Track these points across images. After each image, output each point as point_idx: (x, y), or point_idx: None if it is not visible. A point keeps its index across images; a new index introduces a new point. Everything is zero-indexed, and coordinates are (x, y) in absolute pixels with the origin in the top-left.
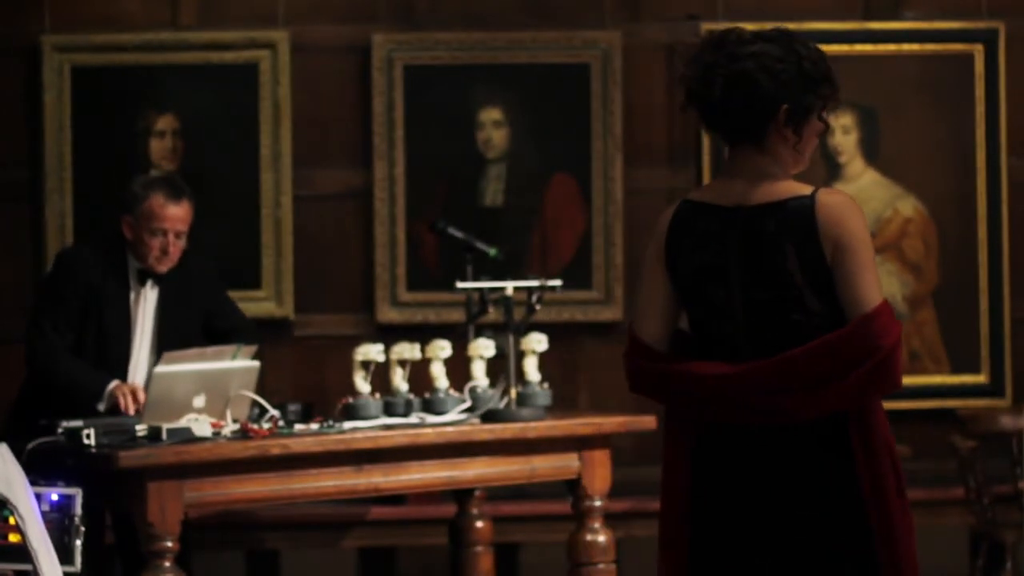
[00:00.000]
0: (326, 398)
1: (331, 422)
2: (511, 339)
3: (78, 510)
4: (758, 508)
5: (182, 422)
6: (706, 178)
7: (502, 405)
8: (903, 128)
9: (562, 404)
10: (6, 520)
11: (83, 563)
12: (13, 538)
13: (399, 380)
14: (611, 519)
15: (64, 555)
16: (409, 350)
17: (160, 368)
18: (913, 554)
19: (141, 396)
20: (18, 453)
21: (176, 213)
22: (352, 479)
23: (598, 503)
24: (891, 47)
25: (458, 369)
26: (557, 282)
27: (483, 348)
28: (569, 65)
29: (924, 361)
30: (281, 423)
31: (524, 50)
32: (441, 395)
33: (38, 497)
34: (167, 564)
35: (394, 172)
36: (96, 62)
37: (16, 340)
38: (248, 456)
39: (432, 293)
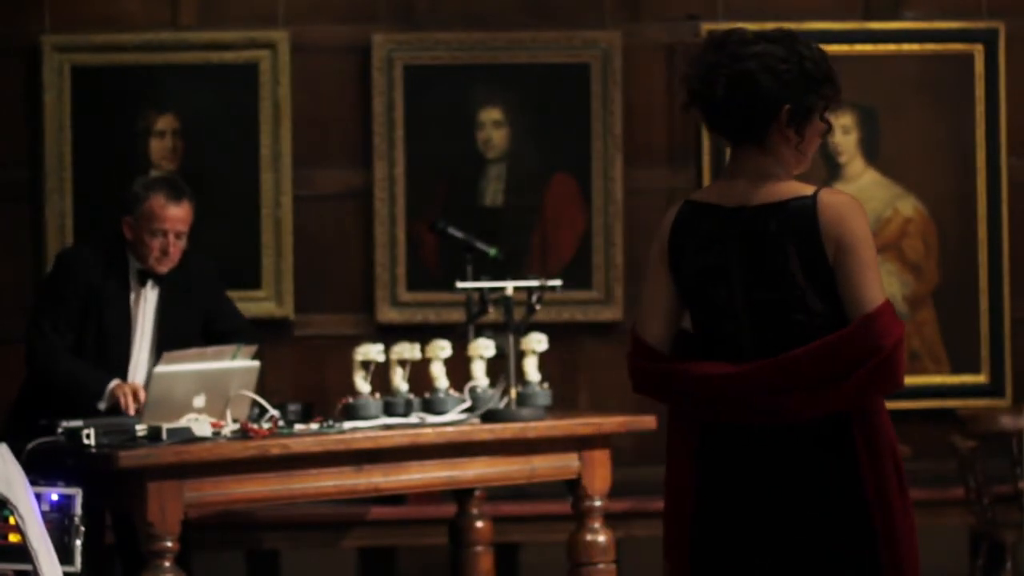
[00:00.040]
0: (326, 398)
1: (331, 422)
2: (511, 339)
3: (78, 510)
4: (761, 508)
5: (182, 422)
6: (706, 178)
7: (502, 405)
8: (903, 128)
9: (562, 404)
10: (6, 520)
11: (83, 563)
12: (13, 538)
13: (399, 380)
14: (611, 519)
15: (64, 555)
16: (409, 350)
17: (160, 368)
18: (915, 555)
19: (142, 395)
20: (18, 453)
21: (176, 214)
22: (352, 479)
23: (598, 503)
24: (891, 47)
25: (458, 369)
26: (557, 282)
27: (483, 348)
28: (569, 65)
29: (924, 361)
30: (281, 423)
31: (524, 50)
32: (441, 395)
33: (38, 497)
34: (167, 564)
35: (394, 172)
36: (96, 62)
37: (16, 340)
38: (248, 456)
39: (432, 293)
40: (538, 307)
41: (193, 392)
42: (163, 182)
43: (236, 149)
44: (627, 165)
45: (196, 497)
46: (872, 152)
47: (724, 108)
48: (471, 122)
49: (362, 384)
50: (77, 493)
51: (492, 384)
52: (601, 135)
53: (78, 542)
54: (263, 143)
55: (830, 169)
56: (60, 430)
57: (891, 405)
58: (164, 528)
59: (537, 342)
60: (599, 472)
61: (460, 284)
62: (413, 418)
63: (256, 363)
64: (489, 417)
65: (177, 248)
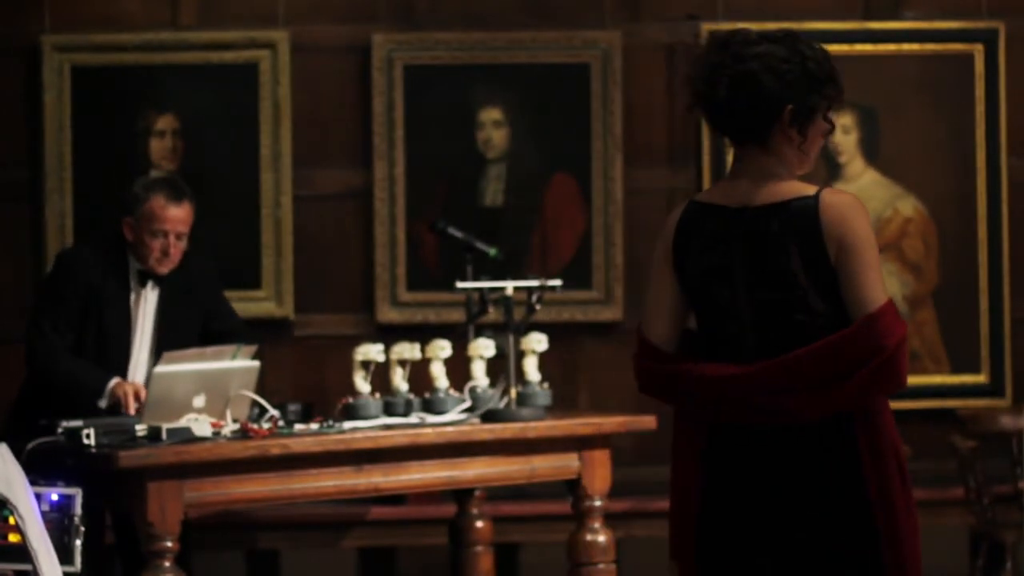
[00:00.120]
0: (326, 398)
1: (331, 422)
2: (511, 339)
3: (78, 510)
4: (765, 508)
5: (182, 422)
6: (706, 178)
7: (502, 405)
8: (903, 128)
9: (562, 404)
10: (6, 520)
11: (83, 563)
12: (13, 538)
13: (399, 380)
14: (611, 519)
15: (64, 555)
16: (409, 350)
17: (160, 368)
18: (917, 555)
19: (143, 395)
20: (18, 453)
21: (177, 214)
22: (352, 479)
23: (598, 503)
24: (891, 47)
25: (458, 369)
26: (557, 282)
27: (483, 348)
28: (569, 65)
29: (924, 361)
30: (281, 423)
31: (524, 50)
32: (441, 395)
33: (38, 497)
34: (167, 564)
35: (394, 172)
36: (96, 62)
37: (16, 340)
38: (248, 456)
39: (432, 293)
40: (538, 307)
41: (193, 392)
42: (163, 183)
43: (236, 149)
44: (627, 165)
45: (196, 497)
46: (872, 152)
47: (727, 108)
48: (471, 122)
49: (362, 384)
50: (77, 493)
51: (492, 384)
52: (601, 135)
53: (78, 542)
54: (263, 143)
55: (830, 169)
56: (60, 430)
57: (891, 405)
58: (164, 528)
59: (537, 342)
60: (599, 472)
61: (460, 284)
62: (413, 418)
63: (256, 363)
64: (489, 417)
65: (177, 249)
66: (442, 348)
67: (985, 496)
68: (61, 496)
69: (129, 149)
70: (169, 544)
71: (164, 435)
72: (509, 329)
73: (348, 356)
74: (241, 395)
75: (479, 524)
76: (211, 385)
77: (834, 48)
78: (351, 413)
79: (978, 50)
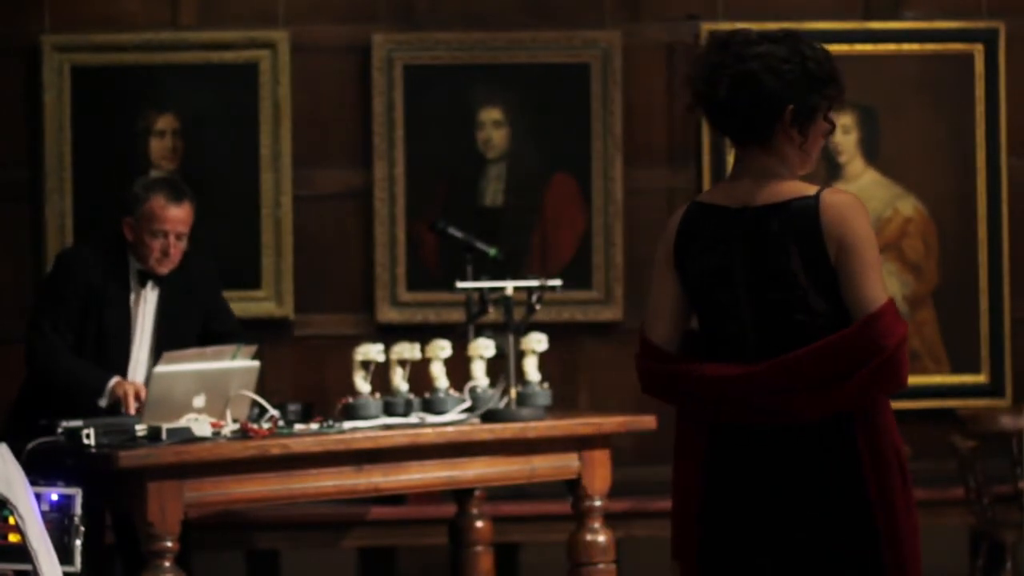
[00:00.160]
0: (326, 398)
1: (331, 422)
2: (511, 339)
3: (78, 510)
4: (765, 508)
5: (182, 422)
6: (706, 178)
7: (502, 405)
8: (903, 128)
9: (562, 404)
10: (6, 520)
11: (83, 563)
12: (13, 538)
13: (399, 380)
14: (611, 519)
15: (64, 555)
16: (409, 350)
17: (160, 368)
18: (918, 555)
19: (143, 394)
20: (18, 453)
21: (177, 215)
22: (352, 479)
23: (598, 503)
24: (891, 47)
25: (458, 369)
26: (557, 282)
27: (483, 348)
28: (569, 65)
29: (924, 361)
30: (281, 423)
31: (524, 50)
32: (441, 395)
33: (38, 497)
34: (167, 564)
35: (394, 172)
36: (96, 62)
37: (16, 340)
38: (248, 456)
39: (432, 293)
40: (538, 307)
41: (193, 392)
42: (163, 183)
43: (236, 149)
44: (627, 165)
45: (196, 497)
46: (872, 152)
47: (727, 108)
48: (471, 122)
49: (362, 384)
50: (77, 493)
51: (492, 384)
52: (601, 135)
53: (78, 542)
54: (263, 143)
55: (830, 169)
56: (60, 430)
57: (891, 405)
58: (164, 528)
59: (537, 342)
60: (599, 472)
61: (460, 284)
62: (413, 418)
63: (256, 363)
64: (489, 417)
65: (178, 249)
66: (442, 348)
67: (985, 496)
68: (61, 496)
69: (129, 149)
70: (169, 544)
71: (164, 435)
72: (509, 329)
73: (348, 356)
74: (241, 395)
75: (479, 524)
76: (211, 385)
77: (834, 48)
78: (351, 413)
79: (978, 50)
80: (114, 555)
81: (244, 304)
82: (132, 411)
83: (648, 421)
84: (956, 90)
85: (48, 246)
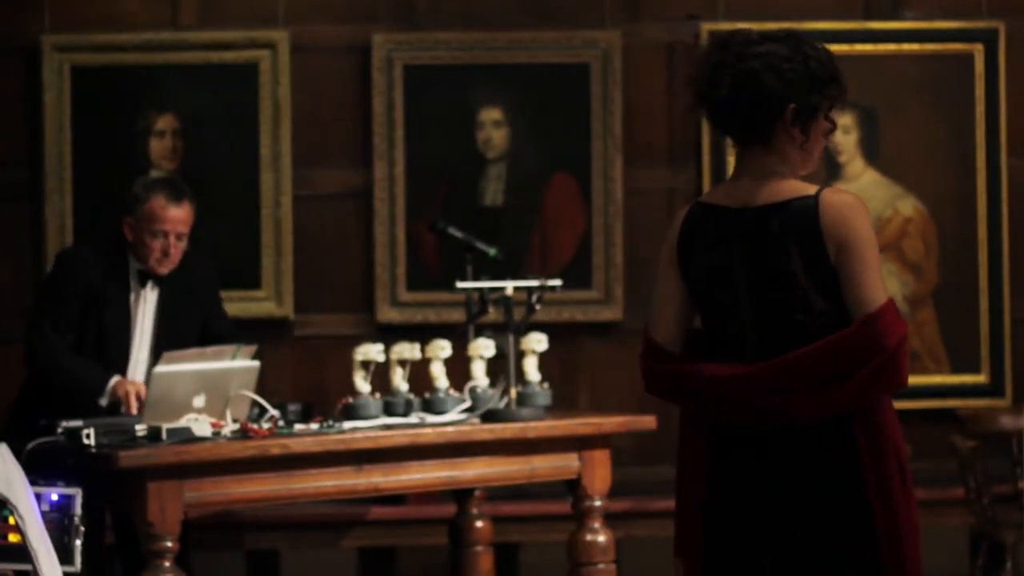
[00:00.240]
0: (326, 398)
1: (331, 422)
2: (511, 339)
3: (78, 510)
4: (766, 508)
5: (182, 422)
6: (706, 178)
7: (502, 405)
8: (903, 128)
9: (562, 404)
10: (6, 520)
11: (83, 563)
12: (13, 538)
13: (399, 380)
14: (611, 519)
15: (64, 555)
16: (409, 350)
17: (160, 368)
18: (918, 555)
19: (143, 394)
20: (18, 453)
21: (177, 215)
22: (352, 479)
23: (598, 503)
24: (891, 47)
25: (458, 369)
26: (557, 282)
27: (483, 348)
28: (569, 65)
29: (924, 361)
30: (281, 423)
31: (524, 50)
32: (441, 395)
33: (38, 497)
34: (167, 564)
35: (394, 172)
36: (96, 62)
37: (16, 340)
38: (248, 456)
39: (432, 293)
40: (538, 307)
41: (193, 392)
42: (163, 183)
43: (236, 149)
44: (627, 165)
45: (196, 497)
46: (872, 152)
47: (729, 108)
48: (471, 122)
49: (362, 384)
50: (77, 493)
51: (492, 384)
52: (601, 135)
53: (78, 542)
54: (263, 143)
55: (830, 169)
56: (60, 430)
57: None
58: (164, 528)
59: (537, 342)
60: (599, 472)
61: (460, 284)
62: (413, 418)
63: (256, 363)
64: (489, 417)
65: (178, 249)
66: (442, 348)
67: (985, 496)
68: (61, 496)
69: (129, 149)
70: (169, 544)
71: (164, 435)
72: (509, 329)
73: (348, 356)
74: (241, 395)
75: (479, 524)
76: (211, 385)
77: (834, 48)
78: (351, 413)
79: (978, 50)
80: (114, 555)
81: (244, 304)
82: (134, 411)
83: (648, 421)
84: (956, 90)
85: (48, 246)
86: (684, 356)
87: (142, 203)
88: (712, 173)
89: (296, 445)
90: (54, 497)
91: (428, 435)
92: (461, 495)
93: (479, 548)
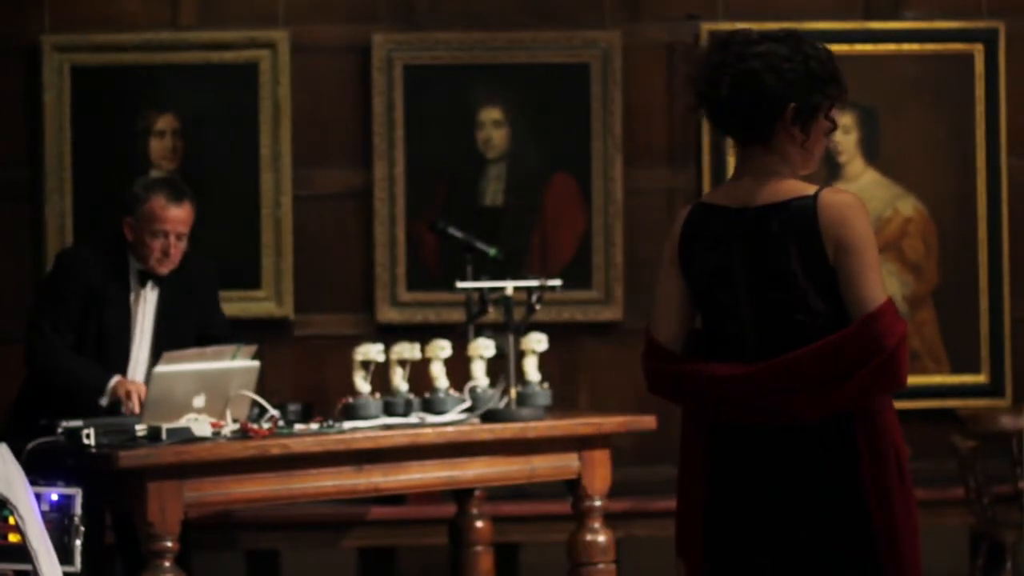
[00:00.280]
0: (326, 398)
1: (331, 422)
2: (511, 339)
3: (78, 510)
4: (766, 508)
5: (182, 422)
6: (706, 178)
7: (502, 405)
8: (903, 128)
9: (562, 404)
10: (6, 520)
11: (83, 563)
12: (13, 538)
13: (399, 380)
14: (611, 519)
15: (64, 555)
16: (409, 350)
17: (160, 368)
18: (917, 556)
19: (143, 394)
20: (18, 453)
21: (177, 215)
22: (352, 479)
23: (598, 503)
24: (891, 47)
25: (458, 369)
26: (557, 282)
27: (483, 348)
28: (569, 65)
29: (924, 361)
30: (281, 423)
31: (524, 50)
32: (441, 395)
33: (38, 497)
34: (167, 564)
35: (394, 172)
36: (96, 62)
37: (16, 340)
38: (248, 456)
39: (432, 293)
40: (538, 307)
41: (193, 392)
42: (164, 183)
43: (236, 149)
44: (627, 165)
45: (196, 497)
46: (872, 152)
47: (729, 107)
48: (471, 122)
49: (362, 384)
50: (77, 493)
51: (492, 384)
52: (601, 135)
53: (78, 542)
54: (263, 143)
55: (830, 169)
56: (60, 430)
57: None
58: (164, 528)
59: (537, 342)
60: (599, 472)
61: (460, 284)
62: (413, 418)
63: (256, 363)
64: (489, 417)
65: (178, 249)
66: (442, 348)
67: (985, 496)
68: (61, 496)
69: (129, 149)
70: (169, 544)
71: (164, 435)
72: (509, 329)
73: (348, 356)
74: (241, 395)
75: (479, 524)
76: (211, 385)
77: (834, 48)
78: (351, 413)
79: (978, 50)
80: (114, 555)
81: (244, 304)
82: (136, 410)
83: (648, 421)
84: (956, 90)
85: (48, 246)
86: (685, 356)
87: (142, 203)
88: (712, 173)
89: (296, 445)
90: (54, 497)
91: (428, 435)
92: (461, 495)
93: (479, 548)
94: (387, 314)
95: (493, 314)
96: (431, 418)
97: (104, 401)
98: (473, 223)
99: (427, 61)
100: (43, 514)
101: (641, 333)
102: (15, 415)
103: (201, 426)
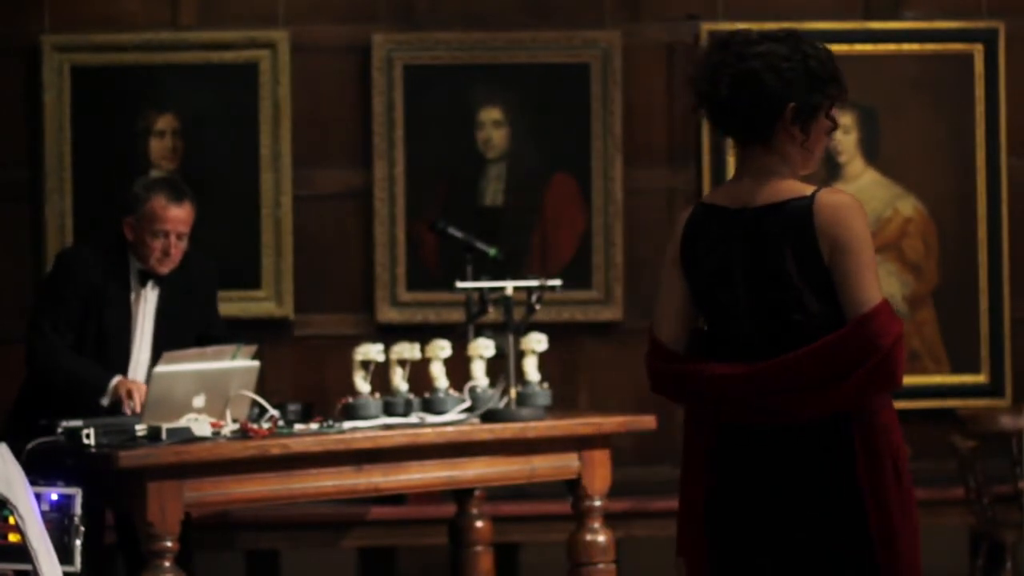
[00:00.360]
0: (326, 398)
1: (331, 422)
2: (511, 339)
3: (78, 510)
4: (766, 508)
5: (182, 422)
6: (706, 178)
7: (502, 405)
8: (903, 128)
9: (562, 404)
10: (6, 520)
11: (83, 563)
12: (13, 538)
13: (399, 380)
14: (611, 519)
15: (64, 555)
16: (409, 350)
17: (160, 368)
18: (916, 556)
19: (143, 394)
20: (18, 453)
21: (178, 215)
22: (352, 479)
23: (598, 503)
24: (891, 47)
25: (458, 369)
26: (557, 282)
27: (483, 348)
28: (569, 65)
29: (924, 361)
30: (281, 423)
31: (524, 50)
32: (441, 395)
33: (38, 497)
34: (167, 564)
35: (394, 172)
36: (96, 62)
37: (16, 340)
38: (248, 456)
39: (432, 293)
40: (538, 307)
41: (193, 392)
42: (164, 183)
43: (236, 149)
44: (627, 165)
45: (196, 497)
46: (872, 152)
47: (729, 107)
48: (471, 122)
49: (362, 384)
50: (77, 493)
51: (492, 384)
52: (601, 135)
53: (78, 542)
54: (263, 143)
55: (830, 169)
56: (60, 430)
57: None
58: (164, 528)
59: (537, 342)
60: (599, 472)
61: (460, 284)
62: (413, 418)
63: (256, 363)
64: (489, 417)
65: (178, 249)
66: (442, 348)
67: (985, 496)
68: (61, 496)
69: (129, 149)
70: (169, 544)
71: (164, 435)
72: (509, 329)
73: (348, 356)
74: (241, 395)
75: (479, 524)
76: (211, 385)
77: (834, 48)
78: (351, 413)
79: (978, 50)
80: (115, 555)
81: (244, 304)
82: (138, 410)
83: (648, 421)
84: (956, 90)
85: (48, 246)
86: (687, 356)
87: (143, 203)
88: (712, 173)
89: (296, 445)
90: (54, 497)
91: (428, 435)
92: (461, 495)
93: (479, 548)
94: (387, 314)
95: (493, 314)
96: (431, 418)
97: (105, 401)
98: (473, 223)
99: (427, 61)
100: (43, 514)
101: (641, 333)
102: (15, 415)
103: (201, 426)
